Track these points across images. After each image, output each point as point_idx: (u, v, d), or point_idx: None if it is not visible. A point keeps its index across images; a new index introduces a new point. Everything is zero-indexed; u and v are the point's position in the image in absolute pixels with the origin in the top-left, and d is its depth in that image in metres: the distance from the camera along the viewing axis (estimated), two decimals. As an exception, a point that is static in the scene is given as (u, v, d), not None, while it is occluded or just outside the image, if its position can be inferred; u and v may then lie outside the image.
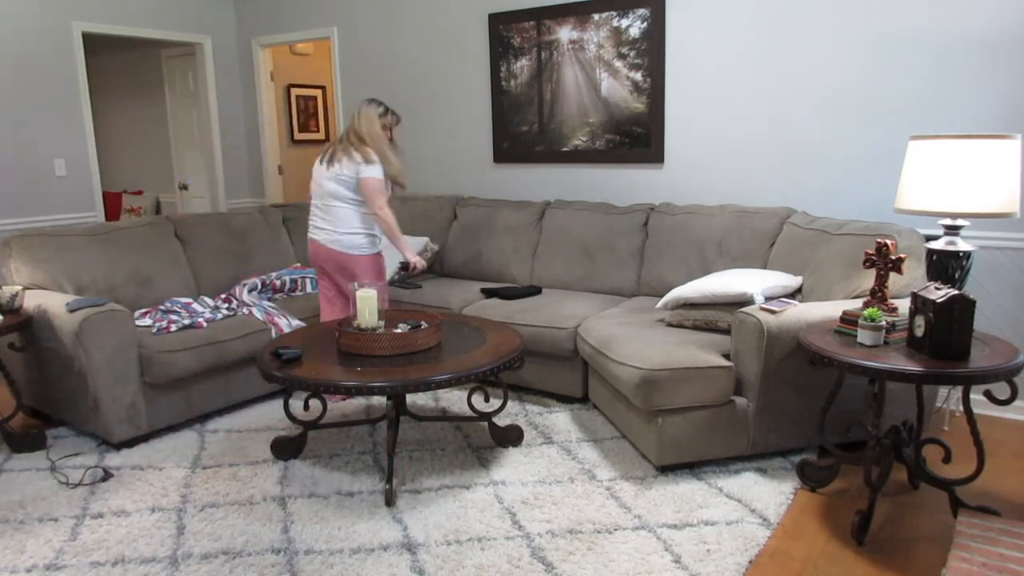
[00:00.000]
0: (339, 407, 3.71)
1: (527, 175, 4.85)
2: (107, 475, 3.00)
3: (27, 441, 3.26)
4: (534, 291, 4.10)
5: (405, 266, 3.70)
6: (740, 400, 2.90)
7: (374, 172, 3.45)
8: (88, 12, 5.18)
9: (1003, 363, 2.25)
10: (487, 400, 3.34)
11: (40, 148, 4.98)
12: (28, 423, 3.60)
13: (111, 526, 2.61)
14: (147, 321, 3.54)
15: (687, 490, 2.79)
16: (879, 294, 2.62)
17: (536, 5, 4.57)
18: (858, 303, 2.84)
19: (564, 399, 3.77)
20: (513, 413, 3.60)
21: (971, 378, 2.24)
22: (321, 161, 3.57)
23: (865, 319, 2.46)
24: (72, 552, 2.45)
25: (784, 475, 2.89)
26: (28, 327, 3.27)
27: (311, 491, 2.84)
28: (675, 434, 2.86)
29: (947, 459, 2.65)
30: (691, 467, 2.96)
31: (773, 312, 2.80)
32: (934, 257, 2.56)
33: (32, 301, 3.32)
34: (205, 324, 3.55)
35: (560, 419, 3.51)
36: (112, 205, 7.21)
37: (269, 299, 4.10)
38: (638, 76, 4.27)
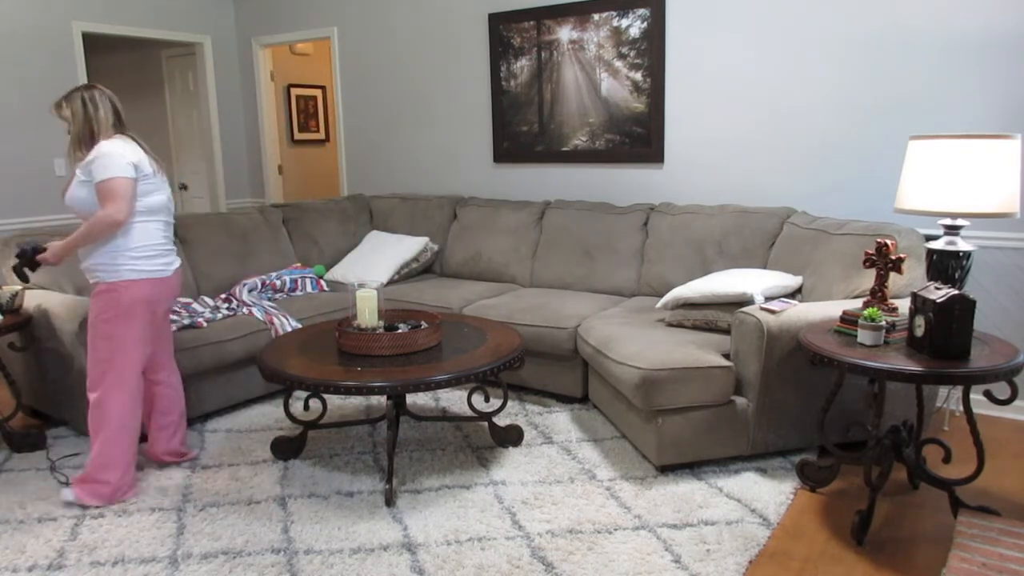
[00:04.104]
0: (338, 407, 3.70)
1: (527, 175, 4.85)
2: (107, 475, 3.00)
3: (27, 441, 3.25)
4: None
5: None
6: (740, 400, 2.90)
7: None
8: (88, 12, 5.18)
9: (1003, 363, 2.25)
10: (487, 400, 3.34)
11: (40, 148, 4.98)
12: (28, 423, 3.60)
13: (111, 526, 2.61)
14: (147, 321, 3.54)
15: (687, 490, 2.79)
16: (879, 294, 2.63)
17: (536, 5, 4.57)
18: (858, 303, 2.83)
19: (564, 399, 3.77)
20: (513, 413, 3.60)
21: (971, 378, 2.24)
22: (156, 172, 2.77)
23: (865, 319, 2.46)
24: (72, 552, 2.45)
25: (784, 475, 2.89)
26: (28, 327, 3.27)
27: (311, 491, 2.84)
28: (675, 434, 2.86)
29: (947, 459, 2.65)
30: (691, 467, 2.96)
31: (773, 312, 2.80)
32: (934, 257, 2.57)
33: (32, 301, 3.32)
34: (205, 324, 3.55)
35: (560, 419, 3.51)
36: (112, 205, 7.20)
37: (269, 299, 4.10)
38: (638, 76, 4.27)
